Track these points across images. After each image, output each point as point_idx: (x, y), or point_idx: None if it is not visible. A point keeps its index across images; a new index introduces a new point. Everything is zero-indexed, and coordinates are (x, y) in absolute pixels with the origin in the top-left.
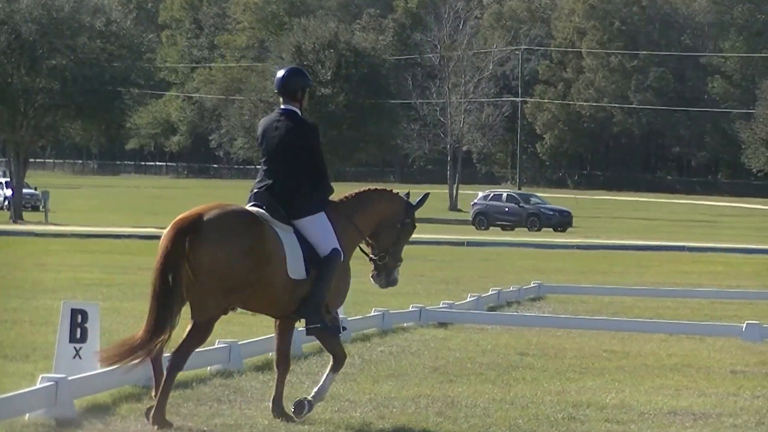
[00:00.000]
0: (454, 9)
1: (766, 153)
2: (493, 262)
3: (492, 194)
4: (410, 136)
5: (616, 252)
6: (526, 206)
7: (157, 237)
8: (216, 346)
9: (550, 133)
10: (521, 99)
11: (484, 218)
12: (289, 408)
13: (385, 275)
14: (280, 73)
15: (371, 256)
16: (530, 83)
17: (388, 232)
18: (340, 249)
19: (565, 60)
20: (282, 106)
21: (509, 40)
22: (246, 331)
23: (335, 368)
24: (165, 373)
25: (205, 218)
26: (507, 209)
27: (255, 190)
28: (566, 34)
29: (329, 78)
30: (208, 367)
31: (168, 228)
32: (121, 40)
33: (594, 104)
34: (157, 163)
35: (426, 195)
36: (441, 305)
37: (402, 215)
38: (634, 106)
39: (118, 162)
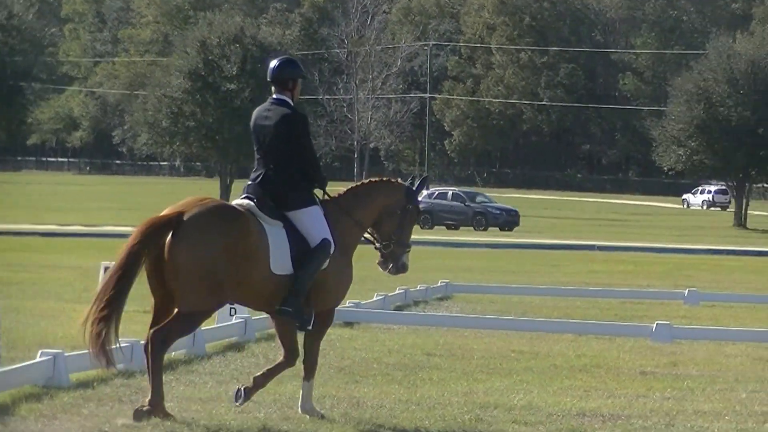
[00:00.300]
0: (362, 4)
1: (677, 151)
2: None
3: (437, 192)
4: (317, 133)
5: (526, 251)
6: (472, 205)
7: (58, 234)
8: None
9: (459, 129)
10: (429, 95)
11: (429, 217)
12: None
13: (393, 262)
14: (273, 63)
15: (376, 244)
16: (439, 79)
17: (390, 220)
18: (330, 240)
19: (475, 56)
20: (274, 96)
21: (418, 35)
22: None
23: (309, 376)
24: (151, 362)
25: (185, 217)
26: (452, 208)
27: (249, 182)
28: (475, 30)
29: (234, 73)
30: None
31: (142, 224)
32: (23, 34)
33: (503, 101)
34: (59, 159)
35: (425, 179)
36: (347, 304)
37: (403, 201)
38: (544, 102)
39: (19, 158)
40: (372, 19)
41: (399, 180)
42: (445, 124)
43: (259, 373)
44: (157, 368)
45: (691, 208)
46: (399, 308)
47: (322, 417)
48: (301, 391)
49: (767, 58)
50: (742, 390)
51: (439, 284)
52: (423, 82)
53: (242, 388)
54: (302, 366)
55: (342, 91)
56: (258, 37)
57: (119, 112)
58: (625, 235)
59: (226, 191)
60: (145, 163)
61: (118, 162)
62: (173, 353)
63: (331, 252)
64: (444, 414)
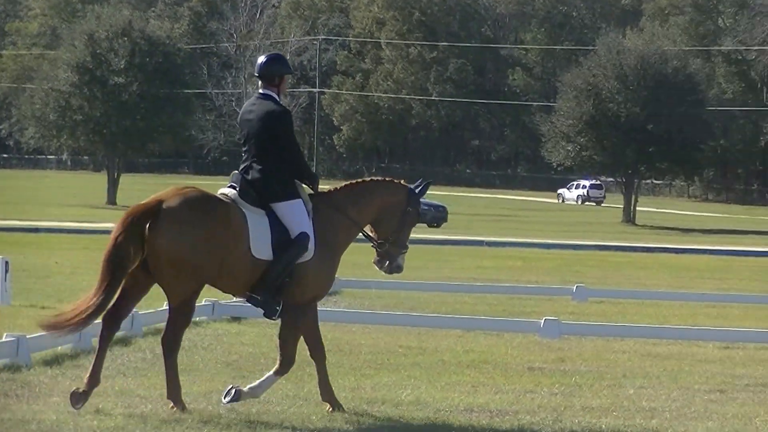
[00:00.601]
0: None
1: (566, 147)
2: None
3: None
4: (205, 127)
5: (414, 246)
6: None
7: None
8: (3, 339)
9: (348, 124)
10: (318, 90)
11: None
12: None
13: (388, 262)
14: (261, 59)
15: (372, 243)
16: (328, 74)
17: (389, 221)
18: (308, 234)
19: (364, 51)
20: (260, 91)
21: (307, 29)
22: (34, 324)
23: (282, 371)
24: (164, 360)
25: (164, 206)
26: None
27: (234, 172)
28: (365, 24)
29: (122, 67)
30: None
31: (124, 214)
32: None
33: (392, 96)
34: None
35: (427, 183)
36: (234, 299)
37: (404, 204)
38: (433, 98)
39: None
40: (261, 14)
41: (402, 182)
42: (334, 119)
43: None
44: (170, 366)
45: (566, 202)
46: None
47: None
48: (262, 378)
49: (657, 54)
50: (629, 386)
51: None
52: (312, 77)
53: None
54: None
55: (231, 85)
56: (146, 31)
57: (6, 105)
58: (514, 231)
59: (113, 185)
60: (32, 156)
61: (5, 156)
62: (59, 348)
63: (309, 246)
64: (329, 409)
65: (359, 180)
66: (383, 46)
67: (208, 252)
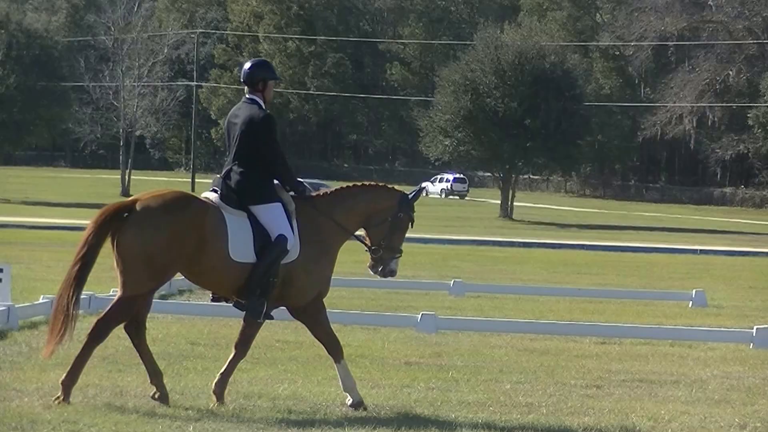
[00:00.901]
0: None
1: (444, 141)
2: None
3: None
4: (82, 120)
5: None
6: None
7: None
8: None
9: (225, 118)
10: (196, 83)
11: None
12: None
13: (382, 266)
14: (246, 65)
15: (366, 248)
16: (206, 67)
17: (379, 226)
18: (287, 237)
19: (242, 44)
20: (246, 96)
21: (185, 23)
22: None
23: (337, 358)
24: (82, 345)
25: (137, 206)
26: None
27: (217, 176)
28: (243, 18)
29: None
30: None
31: (98, 213)
32: None
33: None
34: None
35: (421, 188)
36: (111, 292)
37: (395, 209)
38: (311, 92)
39: None
40: (139, 6)
41: (394, 187)
42: (211, 113)
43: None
44: (84, 357)
45: (430, 196)
46: (164, 297)
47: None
48: (338, 374)
49: (534, 50)
50: (506, 381)
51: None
52: (190, 70)
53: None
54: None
55: (108, 78)
56: (23, 24)
57: None
58: None
59: None
60: None
61: None
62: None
63: (289, 248)
64: (208, 403)
65: (353, 184)
66: (261, 40)
67: (175, 250)
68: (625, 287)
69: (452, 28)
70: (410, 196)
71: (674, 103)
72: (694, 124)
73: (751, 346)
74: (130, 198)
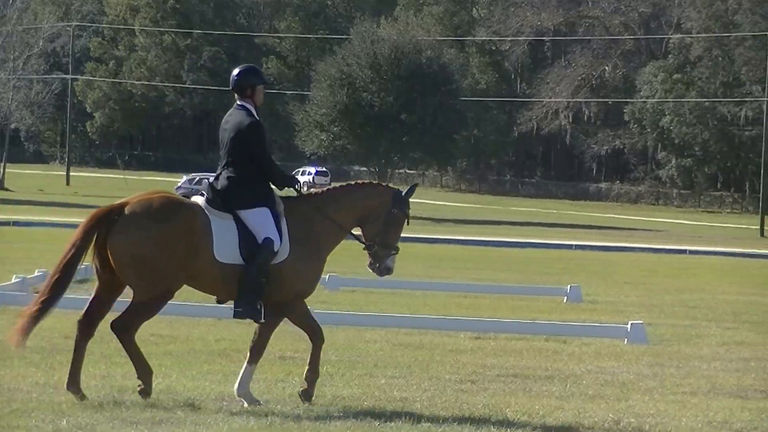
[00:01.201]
0: None
1: (320, 136)
2: (42, 244)
3: (197, 178)
4: None
5: None
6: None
7: None
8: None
9: (101, 111)
10: (72, 76)
11: None
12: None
13: (378, 264)
14: (234, 72)
15: (362, 246)
16: (81, 60)
17: (373, 223)
18: (273, 240)
19: (118, 37)
20: (237, 102)
21: (60, 16)
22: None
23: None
24: (125, 347)
25: (125, 209)
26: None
27: (206, 180)
28: (119, 11)
29: None
30: None
31: (87, 216)
32: None
33: (146, 83)
34: None
35: (414, 186)
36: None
37: (388, 205)
38: (187, 85)
39: None
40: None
41: (389, 185)
42: (87, 106)
43: (306, 371)
44: (132, 352)
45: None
46: (38, 291)
47: (259, 403)
48: (240, 374)
49: (411, 44)
50: (381, 375)
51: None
52: (65, 63)
53: (300, 393)
54: (249, 348)
55: None
56: None
57: None
58: None
59: None
60: None
61: None
62: None
63: (276, 249)
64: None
65: (346, 183)
66: (137, 34)
67: (164, 251)
68: (501, 282)
69: (329, 22)
70: (404, 193)
71: (550, 98)
72: (570, 120)
73: (625, 342)
74: (119, 202)
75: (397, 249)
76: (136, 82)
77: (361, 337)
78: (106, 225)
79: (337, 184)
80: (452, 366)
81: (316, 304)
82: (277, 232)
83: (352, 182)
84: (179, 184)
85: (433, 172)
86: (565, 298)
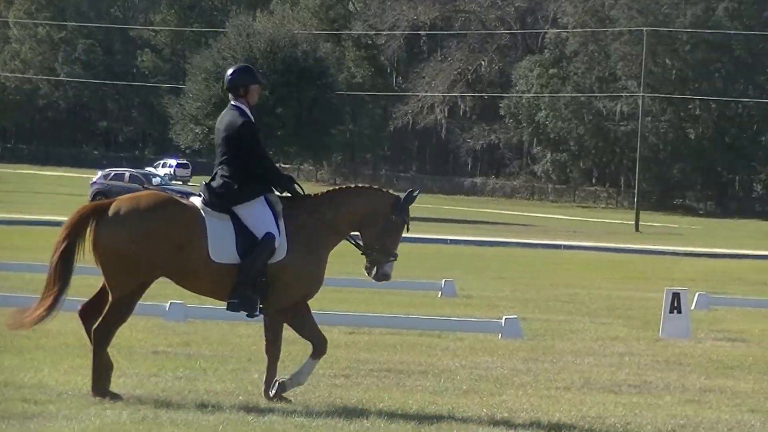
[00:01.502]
0: None
1: (195, 129)
2: None
3: (113, 173)
4: None
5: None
6: (150, 187)
7: None
8: None
9: None
10: None
11: (104, 198)
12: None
13: (375, 269)
14: (228, 72)
15: (361, 250)
16: None
17: (371, 228)
18: (273, 235)
19: None
20: (231, 102)
21: None
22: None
23: (316, 354)
24: (92, 353)
25: (113, 205)
26: (130, 189)
27: (202, 182)
28: None
29: None
30: None
31: (73, 212)
32: None
33: (20, 75)
34: None
35: (413, 191)
36: None
37: (387, 211)
38: (61, 78)
39: None
40: None
41: (390, 191)
42: None
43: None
44: (96, 358)
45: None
46: None
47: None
48: (304, 366)
49: (287, 38)
50: (254, 370)
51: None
52: None
53: (278, 383)
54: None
55: None
56: None
57: None
58: None
59: None
60: None
61: None
62: None
63: (276, 246)
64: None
65: (345, 186)
66: (11, 26)
67: (146, 250)
68: None
69: (204, 15)
70: (403, 200)
71: (426, 92)
72: (446, 114)
73: (499, 337)
74: (107, 200)
75: (396, 255)
76: (10, 75)
77: (235, 331)
78: (89, 220)
79: (337, 187)
80: (326, 361)
81: (190, 298)
82: (277, 228)
83: (351, 185)
84: (94, 180)
85: (308, 166)
86: (440, 292)
